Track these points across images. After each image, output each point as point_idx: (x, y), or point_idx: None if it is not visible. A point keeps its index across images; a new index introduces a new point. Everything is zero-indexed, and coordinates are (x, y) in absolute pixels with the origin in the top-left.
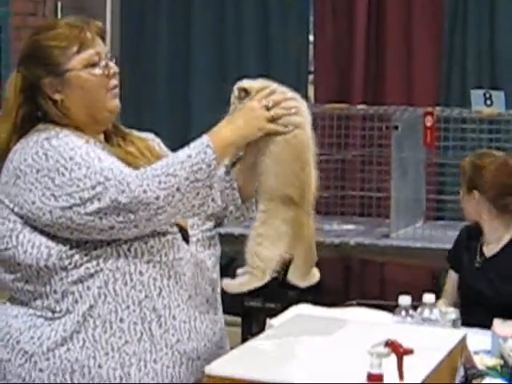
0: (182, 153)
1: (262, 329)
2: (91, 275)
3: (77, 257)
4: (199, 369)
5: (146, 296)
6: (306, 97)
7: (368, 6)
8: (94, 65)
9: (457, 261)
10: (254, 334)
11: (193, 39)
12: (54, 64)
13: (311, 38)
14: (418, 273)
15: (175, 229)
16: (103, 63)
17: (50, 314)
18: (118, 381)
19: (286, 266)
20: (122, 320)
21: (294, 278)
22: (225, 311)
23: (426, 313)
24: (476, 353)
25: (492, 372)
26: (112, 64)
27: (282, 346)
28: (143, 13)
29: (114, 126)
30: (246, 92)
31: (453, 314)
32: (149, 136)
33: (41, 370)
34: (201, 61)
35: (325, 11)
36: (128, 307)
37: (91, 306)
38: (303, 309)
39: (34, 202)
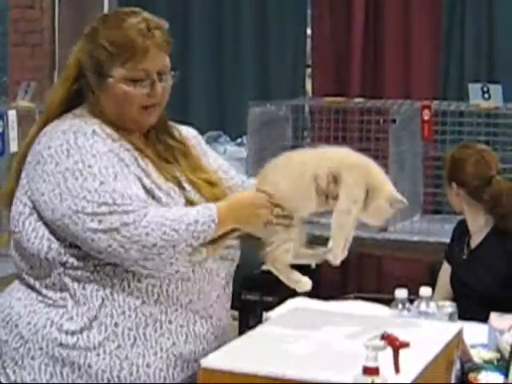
0: (192, 215)
1: (259, 322)
2: (88, 278)
3: (75, 258)
4: (196, 371)
5: (143, 302)
6: (303, 90)
7: None
8: (135, 80)
9: (451, 254)
10: (251, 327)
11: (191, 34)
12: (99, 63)
13: (309, 31)
14: (415, 266)
15: None
16: (147, 82)
17: (50, 302)
18: (106, 381)
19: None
20: (116, 324)
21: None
22: None
23: (423, 306)
24: (473, 346)
25: (488, 365)
26: (159, 85)
27: (279, 339)
28: (140, 6)
29: (159, 120)
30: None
31: (449, 307)
32: (190, 132)
33: (33, 358)
34: (198, 55)
35: (322, 4)
36: (124, 313)
37: (88, 309)
38: (300, 302)
39: (43, 194)
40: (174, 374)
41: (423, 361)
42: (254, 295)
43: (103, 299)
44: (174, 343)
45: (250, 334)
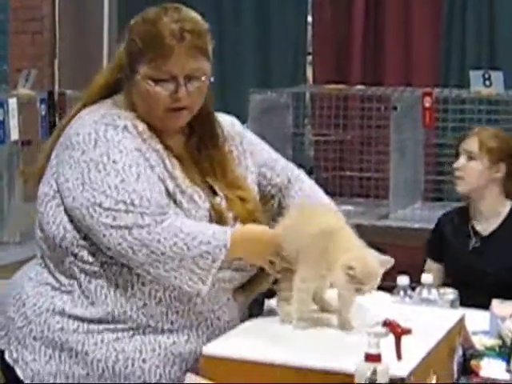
0: (207, 235)
1: (260, 309)
2: (95, 273)
3: (85, 251)
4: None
5: (145, 304)
6: (304, 78)
7: None
8: (159, 80)
9: (440, 251)
10: (252, 315)
11: None
12: (131, 57)
13: (310, 18)
14: (416, 253)
15: None
16: (172, 84)
17: (57, 285)
18: (100, 372)
19: None
20: (117, 322)
21: None
22: None
23: (425, 293)
24: (474, 333)
25: (490, 352)
26: (183, 88)
27: (280, 326)
28: (139, 4)
29: (204, 124)
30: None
31: (451, 294)
32: (235, 127)
33: (34, 339)
34: None
35: None
36: (125, 313)
37: (92, 302)
38: None
39: (67, 180)
40: (171, 373)
41: (425, 348)
42: None
43: (106, 296)
44: (174, 342)
45: (252, 321)
